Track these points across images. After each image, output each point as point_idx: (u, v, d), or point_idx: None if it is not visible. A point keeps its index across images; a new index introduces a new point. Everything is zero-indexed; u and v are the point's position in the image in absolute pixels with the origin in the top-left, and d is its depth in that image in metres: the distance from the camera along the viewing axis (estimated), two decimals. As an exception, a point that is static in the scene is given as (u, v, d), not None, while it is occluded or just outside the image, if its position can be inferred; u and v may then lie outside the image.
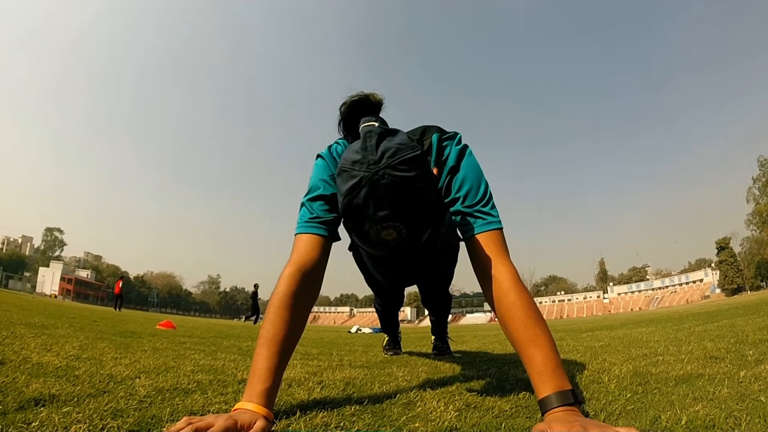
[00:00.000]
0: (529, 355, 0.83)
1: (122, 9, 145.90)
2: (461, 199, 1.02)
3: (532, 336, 0.84)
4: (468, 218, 1.01)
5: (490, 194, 1.04)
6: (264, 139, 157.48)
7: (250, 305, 14.43)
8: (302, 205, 1.05)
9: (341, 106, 1.05)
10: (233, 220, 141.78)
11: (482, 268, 0.97)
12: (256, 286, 14.10)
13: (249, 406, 0.76)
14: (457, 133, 1.11)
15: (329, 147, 1.11)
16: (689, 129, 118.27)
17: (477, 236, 0.99)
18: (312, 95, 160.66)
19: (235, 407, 0.77)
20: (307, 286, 0.95)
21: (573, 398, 0.75)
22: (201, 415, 0.78)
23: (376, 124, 0.84)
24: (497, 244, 0.98)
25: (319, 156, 1.11)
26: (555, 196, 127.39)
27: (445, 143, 1.09)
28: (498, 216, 1.02)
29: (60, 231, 79.51)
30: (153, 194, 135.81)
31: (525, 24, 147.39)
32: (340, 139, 1.12)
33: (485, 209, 1.01)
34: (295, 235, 1.02)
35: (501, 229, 1.01)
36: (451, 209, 1.04)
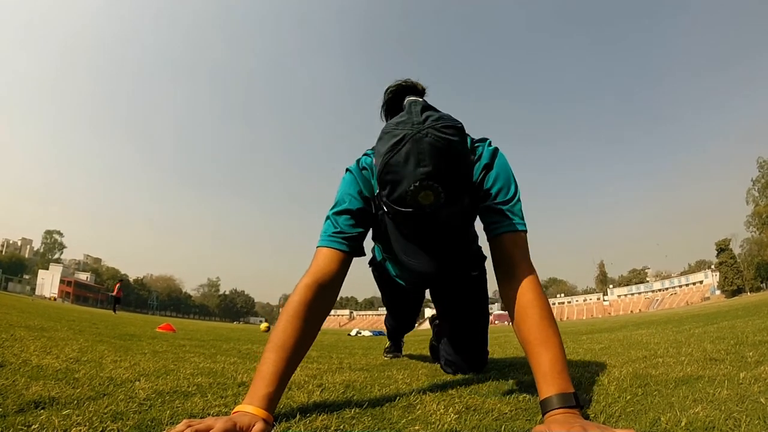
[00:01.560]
0: (537, 355, 0.83)
1: (120, 7, 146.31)
2: (493, 196, 1.02)
3: (544, 337, 0.85)
4: (496, 216, 1.01)
5: (519, 197, 1.05)
6: (263, 139, 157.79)
7: None
8: (327, 218, 1.05)
9: (387, 90, 1.08)
10: (233, 223, 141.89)
11: (504, 265, 0.99)
12: None
13: (249, 408, 0.76)
14: (488, 138, 1.12)
15: (357, 161, 1.10)
16: (689, 129, 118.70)
17: (503, 235, 1.00)
18: (313, 94, 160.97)
19: (236, 409, 0.77)
20: (322, 298, 0.95)
21: (575, 401, 0.75)
22: (201, 417, 0.78)
23: (420, 100, 0.88)
24: (521, 247, 0.99)
25: (347, 170, 1.10)
26: (554, 198, 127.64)
27: (477, 144, 1.09)
28: (524, 219, 1.03)
29: (59, 233, 79.50)
30: (152, 196, 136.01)
31: (525, 23, 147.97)
32: (368, 150, 1.11)
33: (514, 210, 1.02)
34: (317, 246, 1.02)
35: (526, 232, 1.02)
36: (482, 205, 1.04)
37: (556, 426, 0.68)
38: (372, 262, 1.65)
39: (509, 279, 0.96)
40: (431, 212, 0.82)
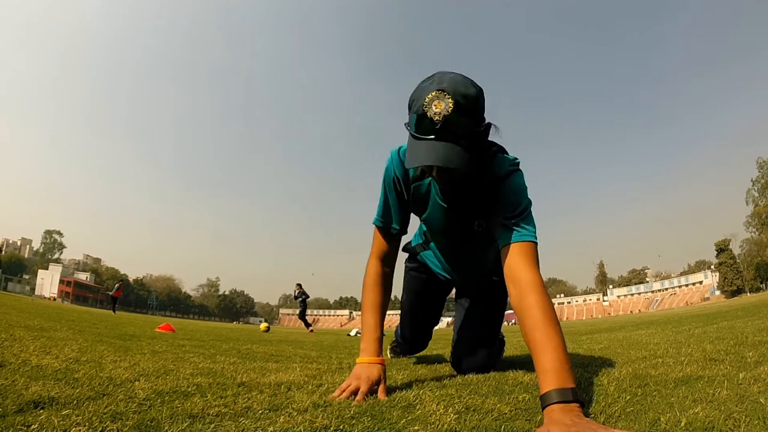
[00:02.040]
0: (540, 354, 0.88)
1: (120, 7, 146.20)
2: (502, 210, 1.09)
3: (547, 336, 0.89)
4: (506, 229, 1.08)
5: (530, 212, 1.11)
6: (263, 139, 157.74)
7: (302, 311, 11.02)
8: (380, 201, 1.28)
9: None
10: (233, 223, 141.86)
11: (511, 270, 1.05)
12: (299, 285, 11.13)
13: (368, 359, 1.08)
14: (517, 159, 1.19)
15: (400, 147, 1.24)
16: (689, 129, 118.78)
17: (512, 244, 1.06)
18: (313, 94, 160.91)
19: (358, 361, 1.10)
20: (385, 268, 1.29)
21: (572, 396, 0.76)
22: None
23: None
24: (529, 255, 1.05)
25: (390, 153, 1.25)
26: (554, 198, 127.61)
27: (504, 155, 1.19)
28: (535, 232, 1.08)
29: (59, 233, 79.51)
30: (152, 196, 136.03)
31: (525, 24, 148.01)
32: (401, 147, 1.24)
33: (523, 223, 1.08)
34: (374, 225, 1.30)
35: (536, 243, 1.07)
36: (492, 218, 1.15)
37: (556, 426, 0.68)
38: (406, 248, 1.65)
39: (514, 280, 1.02)
40: (438, 124, 0.93)
